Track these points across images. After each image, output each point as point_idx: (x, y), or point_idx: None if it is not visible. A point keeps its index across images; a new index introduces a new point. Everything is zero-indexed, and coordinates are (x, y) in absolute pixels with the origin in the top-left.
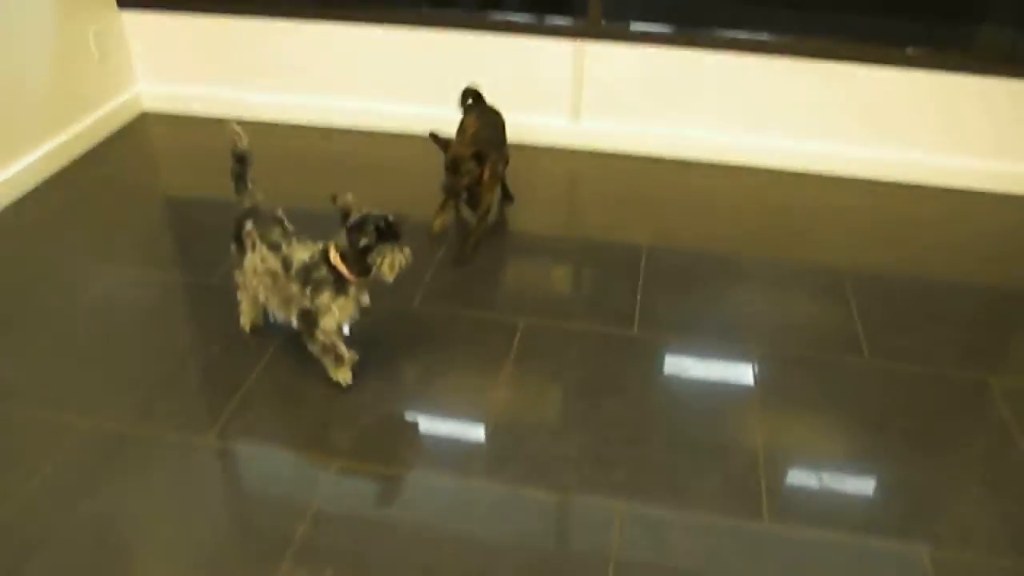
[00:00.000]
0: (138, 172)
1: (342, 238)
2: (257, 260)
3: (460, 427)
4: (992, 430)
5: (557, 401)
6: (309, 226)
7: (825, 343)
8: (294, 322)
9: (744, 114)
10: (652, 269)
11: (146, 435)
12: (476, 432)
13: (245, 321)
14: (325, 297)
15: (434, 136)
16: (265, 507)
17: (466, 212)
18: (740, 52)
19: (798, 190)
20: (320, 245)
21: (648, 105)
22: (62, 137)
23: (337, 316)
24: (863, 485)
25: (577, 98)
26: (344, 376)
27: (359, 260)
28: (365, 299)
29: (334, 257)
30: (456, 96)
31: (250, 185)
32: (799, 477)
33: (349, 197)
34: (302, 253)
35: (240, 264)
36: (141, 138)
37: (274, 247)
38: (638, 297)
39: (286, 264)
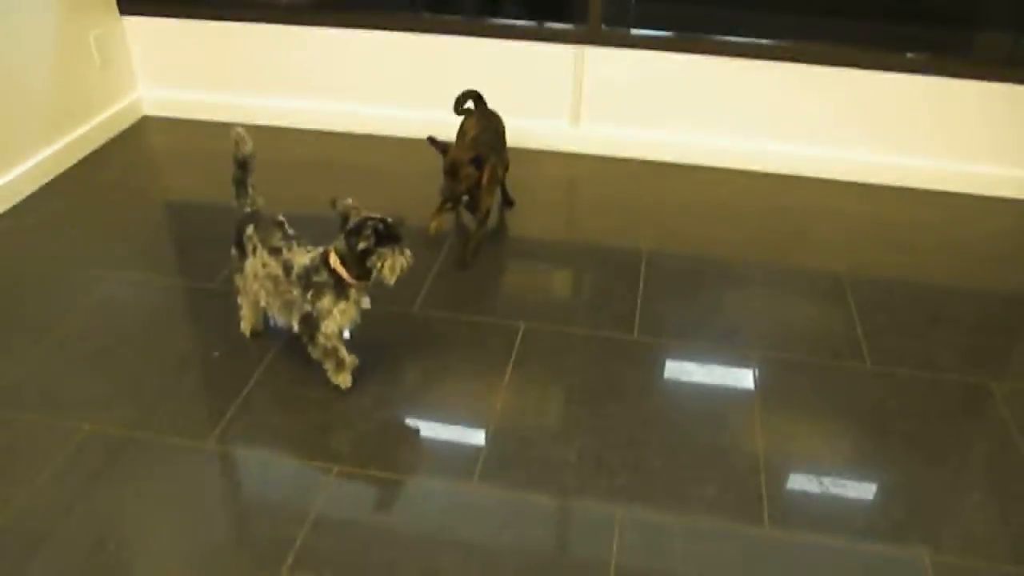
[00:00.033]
0: (139, 177)
1: (342, 242)
2: (258, 265)
3: (460, 431)
4: (993, 434)
5: (557, 405)
6: (310, 230)
7: (825, 347)
8: (295, 326)
9: (744, 119)
10: (652, 273)
11: (146, 439)
12: (476, 436)
13: (245, 326)
14: (326, 301)
15: (432, 140)
16: (265, 511)
17: (466, 216)
18: (739, 57)
19: (798, 194)
20: (321, 249)
21: (648, 110)
22: (63, 141)
23: (338, 320)
24: (864, 490)
25: (577, 103)
26: (344, 380)
27: (359, 264)
28: (366, 302)
29: (334, 261)
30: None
31: (251, 190)
32: (800, 482)
33: (349, 201)
34: (303, 257)
35: (241, 269)
36: (142, 143)
37: (275, 251)
38: (638, 301)
39: (287, 268)
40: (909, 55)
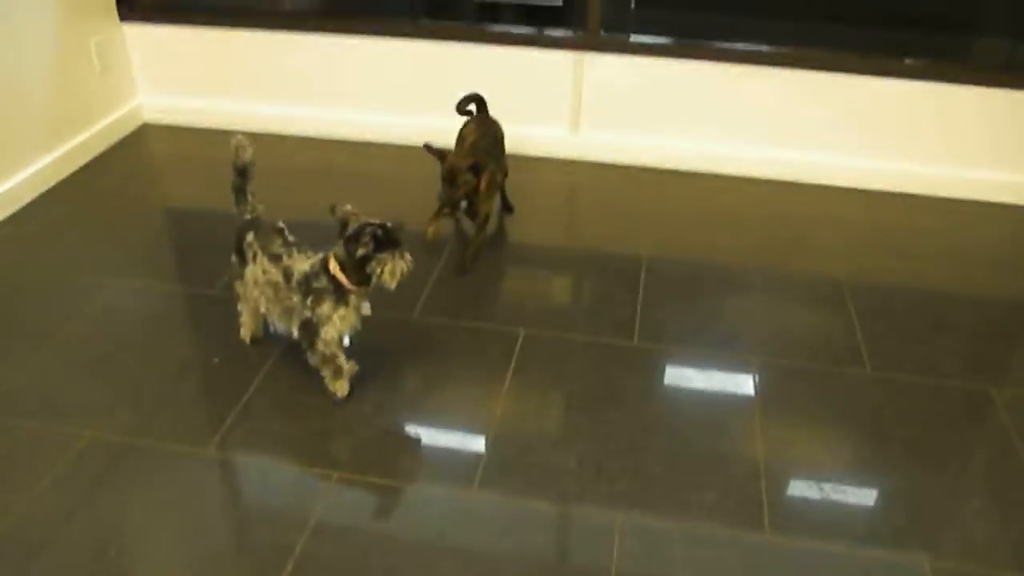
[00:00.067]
0: (139, 184)
1: (341, 248)
2: (258, 271)
3: (460, 438)
4: (994, 441)
5: (557, 412)
6: (310, 237)
7: (826, 354)
8: (295, 333)
9: (743, 125)
10: (652, 279)
11: (146, 446)
12: (476, 443)
13: (245, 332)
14: (326, 307)
15: (429, 148)
16: (265, 518)
17: (466, 222)
18: (739, 63)
19: (797, 200)
20: (321, 256)
21: (647, 116)
22: (64, 148)
23: (338, 326)
24: (864, 496)
25: (576, 109)
26: (341, 388)
27: (358, 270)
28: (366, 308)
29: (334, 267)
30: (455, 106)
31: (251, 197)
32: (800, 488)
33: (348, 207)
34: (303, 264)
35: (241, 275)
36: (142, 150)
37: (275, 258)
38: (638, 307)
39: (287, 275)
40: (908, 61)
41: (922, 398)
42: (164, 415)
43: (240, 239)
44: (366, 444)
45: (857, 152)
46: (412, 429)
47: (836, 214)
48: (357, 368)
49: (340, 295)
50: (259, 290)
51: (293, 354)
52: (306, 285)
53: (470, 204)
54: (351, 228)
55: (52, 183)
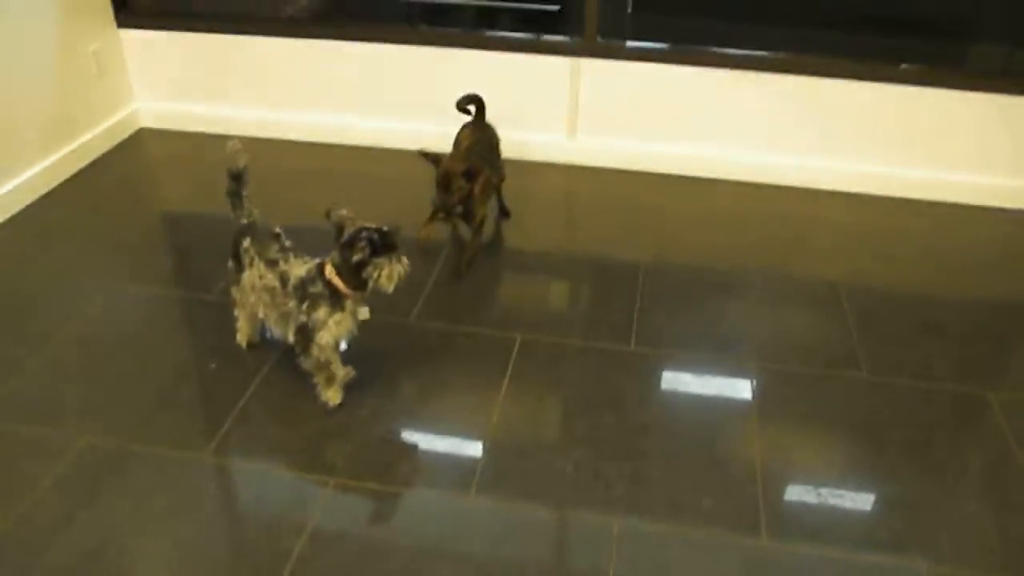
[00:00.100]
0: (136, 188)
1: (338, 254)
2: (255, 276)
3: (457, 443)
4: (991, 444)
5: (554, 417)
6: (307, 242)
7: (822, 358)
8: (291, 338)
9: (739, 130)
10: (649, 284)
11: (143, 451)
12: (473, 448)
13: (242, 337)
14: (322, 312)
15: (423, 153)
16: (262, 524)
17: (462, 227)
18: (735, 69)
19: (793, 205)
20: (317, 261)
21: (644, 121)
22: (61, 153)
23: (333, 331)
24: (862, 500)
25: (573, 115)
26: (334, 396)
27: (355, 275)
28: (364, 313)
29: (330, 272)
30: (452, 111)
31: (247, 202)
32: (797, 493)
33: (343, 212)
34: (299, 269)
35: (238, 281)
36: (139, 154)
37: (272, 263)
38: (635, 312)
39: (283, 280)
40: (903, 66)
41: (919, 402)
42: (161, 420)
43: (237, 244)
44: (363, 449)
45: (852, 156)
46: (409, 434)
47: (832, 218)
48: (354, 373)
49: (336, 300)
50: (256, 295)
51: (289, 359)
52: (302, 290)
53: (465, 209)
54: (347, 233)
55: (49, 187)
